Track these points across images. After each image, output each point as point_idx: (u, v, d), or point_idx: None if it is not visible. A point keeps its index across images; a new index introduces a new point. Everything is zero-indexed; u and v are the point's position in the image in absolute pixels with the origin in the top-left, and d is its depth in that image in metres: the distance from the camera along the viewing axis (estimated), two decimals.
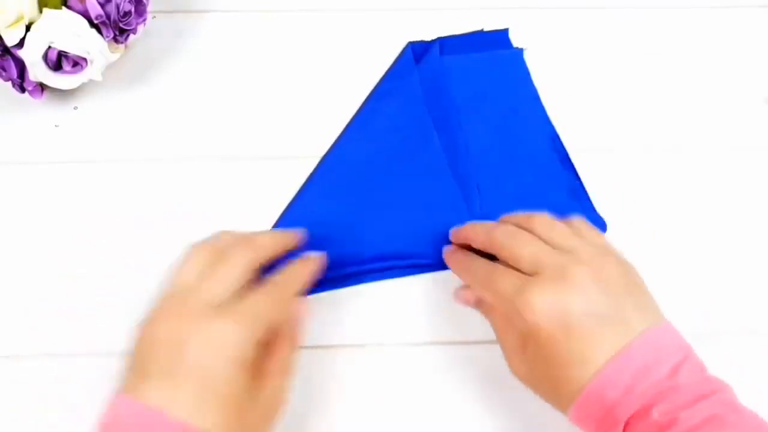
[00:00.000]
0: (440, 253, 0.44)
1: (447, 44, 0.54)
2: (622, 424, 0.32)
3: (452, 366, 0.43)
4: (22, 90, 0.50)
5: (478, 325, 0.44)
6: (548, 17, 0.57)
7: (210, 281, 0.34)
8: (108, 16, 0.48)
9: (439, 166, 0.48)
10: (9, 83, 0.49)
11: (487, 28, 0.56)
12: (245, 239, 0.37)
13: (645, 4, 0.58)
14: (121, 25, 0.49)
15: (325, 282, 0.44)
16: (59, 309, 0.44)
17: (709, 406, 0.31)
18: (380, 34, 0.55)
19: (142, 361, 0.32)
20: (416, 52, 0.54)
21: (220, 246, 0.36)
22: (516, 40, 0.55)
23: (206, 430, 0.29)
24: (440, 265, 0.44)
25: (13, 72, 0.48)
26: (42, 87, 0.50)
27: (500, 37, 0.56)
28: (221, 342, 0.31)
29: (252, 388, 0.32)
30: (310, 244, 0.45)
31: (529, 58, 0.54)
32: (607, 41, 0.56)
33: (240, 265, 0.35)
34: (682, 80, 0.54)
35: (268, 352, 0.34)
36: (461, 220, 0.46)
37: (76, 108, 0.52)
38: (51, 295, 0.44)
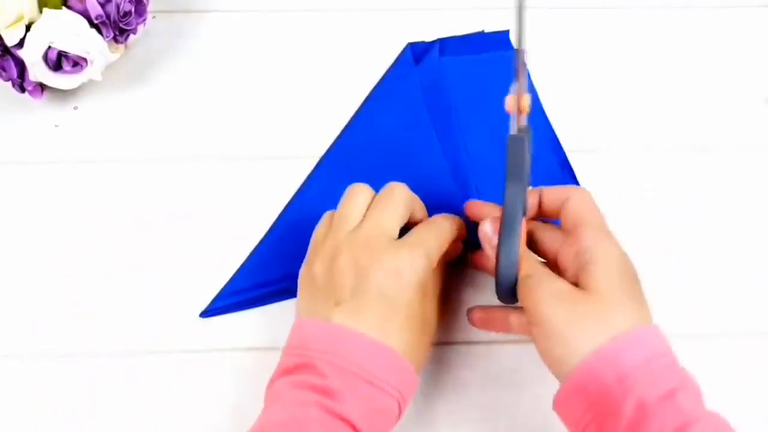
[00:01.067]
0: None
1: (447, 45, 0.54)
2: (633, 404, 0.30)
3: (455, 366, 0.43)
4: (22, 90, 0.50)
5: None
6: (548, 17, 0.57)
7: (379, 215, 0.38)
8: (108, 16, 0.48)
9: (438, 168, 0.48)
10: (9, 83, 0.49)
11: (487, 29, 0.56)
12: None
13: (645, 4, 0.58)
14: (121, 25, 0.49)
15: None
16: (59, 309, 0.44)
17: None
18: (380, 34, 0.55)
19: (328, 290, 0.35)
20: (416, 53, 0.54)
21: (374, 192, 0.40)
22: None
23: (394, 347, 0.33)
24: None
25: (13, 72, 0.48)
26: (42, 87, 0.50)
27: (501, 38, 0.56)
28: (401, 271, 0.35)
29: (424, 311, 0.36)
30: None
31: (529, 58, 0.54)
32: (607, 41, 0.56)
33: (402, 203, 0.38)
34: (682, 80, 0.54)
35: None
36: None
37: (76, 108, 0.52)
38: (51, 295, 0.44)
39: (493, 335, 0.43)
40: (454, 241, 0.40)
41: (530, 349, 0.42)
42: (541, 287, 0.34)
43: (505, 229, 0.36)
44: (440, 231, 0.39)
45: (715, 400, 0.41)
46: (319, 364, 0.33)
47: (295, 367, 0.34)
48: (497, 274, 0.36)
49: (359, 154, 0.49)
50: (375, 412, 0.33)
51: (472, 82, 0.53)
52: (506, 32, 0.56)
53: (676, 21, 0.57)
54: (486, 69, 0.53)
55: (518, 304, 0.36)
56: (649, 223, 0.48)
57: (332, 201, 0.47)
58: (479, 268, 0.43)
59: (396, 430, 0.40)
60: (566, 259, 0.36)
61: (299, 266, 0.42)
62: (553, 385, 0.42)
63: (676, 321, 0.44)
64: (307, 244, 0.43)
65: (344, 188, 0.47)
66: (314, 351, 0.33)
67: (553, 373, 0.35)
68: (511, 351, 0.43)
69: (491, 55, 0.54)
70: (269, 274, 0.45)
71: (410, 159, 0.49)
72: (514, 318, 0.39)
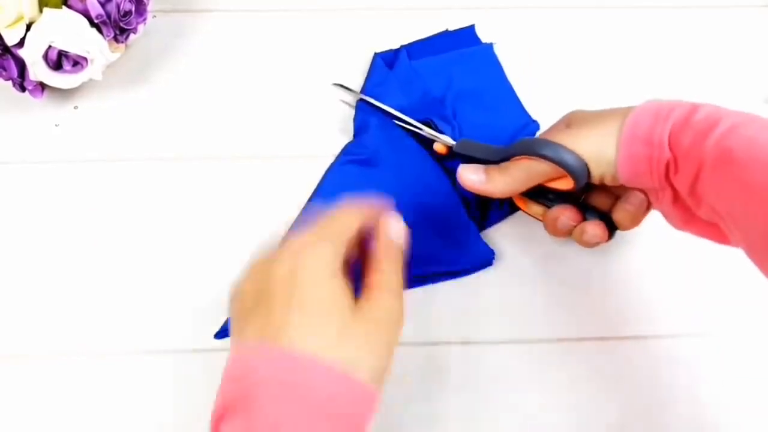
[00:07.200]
0: (448, 261, 0.45)
1: (414, 49, 0.54)
2: (667, 136, 0.35)
3: (468, 365, 0.43)
4: (23, 89, 0.50)
5: (497, 326, 0.44)
6: (547, 17, 0.57)
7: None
8: (108, 16, 0.48)
9: (431, 164, 0.48)
10: (9, 83, 0.49)
11: (478, 28, 0.56)
12: None
13: (645, 4, 0.58)
14: (121, 24, 0.49)
15: None
16: (59, 308, 0.44)
17: (744, 114, 0.35)
18: (382, 34, 0.55)
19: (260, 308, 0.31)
20: (385, 61, 0.53)
21: None
22: (515, 40, 0.55)
23: (314, 354, 0.28)
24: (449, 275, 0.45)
25: (14, 71, 0.48)
26: (42, 86, 0.50)
27: (466, 34, 0.56)
28: (309, 262, 0.31)
29: (356, 306, 0.31)
30: None
31: (527, 61, 0.54)
32: (606, 41, 0.56)
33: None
34: (682, 80, 0.54)
35: (366, 270, 0.34)
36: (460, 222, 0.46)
37: (76, 107, 0.52)
38: (51, 295, 0.44)
39: (507, 336, 0.43)
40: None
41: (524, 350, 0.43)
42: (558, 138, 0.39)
43: (535, 143, 0.40)
44: (348, 209, 0.35)
45: (715, 398, 0.42)
46: (264, 402, 0.28)
47: (232, 406, 0.29)
48: (573, 173, 0.39)
49: (358, 165, 0.49)
50: None
51: (446, 79, 0.53)
52: (471, 27, 0.56)
53: (675, 21, 0.57)
54: (458, 65, 0.54)
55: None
56: (648, 223, 0.48)
57: None
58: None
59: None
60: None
61: None
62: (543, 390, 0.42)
63: (675, 319, 0.44)
64: None
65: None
66: (259, 384, 0.29)
67: (611, 175, 0.38)
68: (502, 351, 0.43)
69: (460, 52, 0.54)
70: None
71: (406, 160, 0.49)
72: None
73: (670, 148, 0.36)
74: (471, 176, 0.42)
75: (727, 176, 0.33)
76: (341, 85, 0.52)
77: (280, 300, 0.30)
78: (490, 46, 0.55)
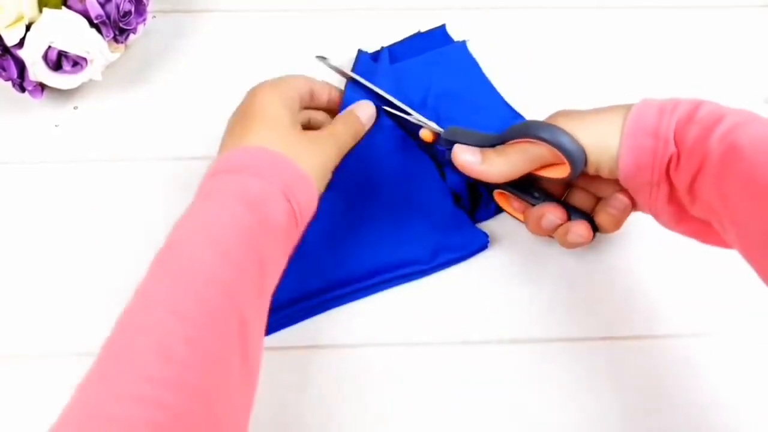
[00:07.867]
0: (443, 248, 0.45)
1: (393, 52, 0.54)
2: (672, 133, 0.36)
3: (467, 364, 0.43)
4: (22, 90, 0.50)
5: (497, 326, 0.44)
6: (546, 17, 0.57)
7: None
8: (108, 16, 0.48)
9: (425, 167, 0.48)
10: (9, 83, 0.49)
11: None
12: None
13: (645, 4, 0.58)
14: (121, 24, 0.49)
15: (321, 303, 0.44)
16: (59, 309, 0.44)
17: (744, 111, 0.36)
18: (382, 34, 0.55)
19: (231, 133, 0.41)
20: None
21: None
22: (515, 41, 0.55)
23: (272, 150, 0.38)
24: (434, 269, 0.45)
25: (13, 72, 0.48)
26: (42, 87, 0.50)
27: (439, 34, 0.56)
28: (265, 98, 0.41)
29: (299, 130, 0.41)
30: (305, 267, 0.44)
31: (527, 61, 0.54)
32: (605, 41, 0.56)
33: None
34: (682, 80, 0.54)
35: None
36: (448, 219, 0.46)
37: (76, 108, 0.52)
38: (50, 295, 0.44)
39: (504, 335, 0.43)
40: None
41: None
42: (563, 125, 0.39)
43: (533, 126, 0.39)
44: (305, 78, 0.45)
45: (715, 398, 0.42)
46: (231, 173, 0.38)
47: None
48: (570, 158, 0.38)
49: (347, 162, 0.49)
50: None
51: (425, 81, 0.52)
52: (443, 27, 0.56)
53: (676, 21, 0.57)
54: (434, 66, 0.54)
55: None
56: (648, 222, 0.48)
57: (325, 221, 0.45)
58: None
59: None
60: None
61: (307, 287, 0.43)
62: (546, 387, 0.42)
63: (673, 318, 0.44)
64: (313, 264, 0.43)
65: (336, 202, 0.46)
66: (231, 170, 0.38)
67: (609, 167, 0.38)
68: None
69: (435, 52, 0.54)
70: (275, 301, 0.42)
71: (393, 149, 0.48)
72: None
73: (675, 143, 0.36)
74: (467, 157, 0.41)
75: (733, 172, 0.33)
76: (322, 58, 0.49)
77: (248, 121, 0.40)
78: (463, 43, 0.55)
